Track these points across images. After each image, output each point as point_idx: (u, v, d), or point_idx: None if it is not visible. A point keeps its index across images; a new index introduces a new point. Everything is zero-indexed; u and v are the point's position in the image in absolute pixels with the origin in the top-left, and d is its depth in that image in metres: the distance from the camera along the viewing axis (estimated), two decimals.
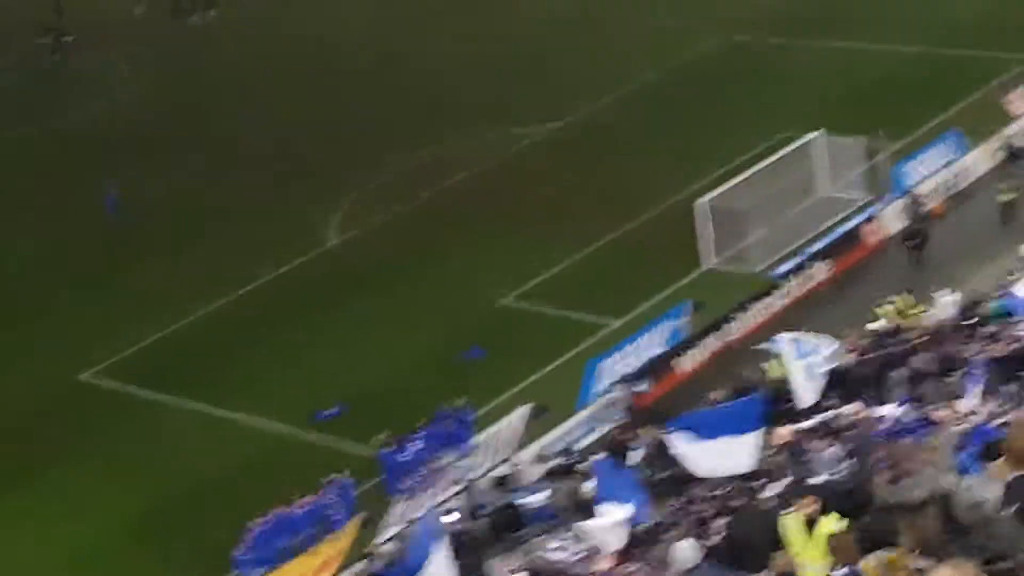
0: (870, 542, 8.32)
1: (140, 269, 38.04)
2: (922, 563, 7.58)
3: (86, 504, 28.92)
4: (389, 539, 26.39)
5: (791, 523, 9.62)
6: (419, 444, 27.94)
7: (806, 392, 22.93)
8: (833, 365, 23.74)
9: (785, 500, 12.84)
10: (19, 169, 45.60)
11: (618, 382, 29.75)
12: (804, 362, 23.47)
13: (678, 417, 20.89)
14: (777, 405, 25.10)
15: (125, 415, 32.13)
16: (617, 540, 16.14)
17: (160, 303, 36.10)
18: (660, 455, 25.95)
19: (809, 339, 24.36)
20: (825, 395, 24.69)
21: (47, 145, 47.20)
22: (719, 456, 17.91)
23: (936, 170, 35.93)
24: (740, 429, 18.06)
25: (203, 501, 28.29)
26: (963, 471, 10.37)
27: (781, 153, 35.58)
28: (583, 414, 29.28)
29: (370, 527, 26.92)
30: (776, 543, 10.08)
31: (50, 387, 33.30)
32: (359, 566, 25.66)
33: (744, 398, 20.84)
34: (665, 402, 29.33)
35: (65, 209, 41.87)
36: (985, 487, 8.65)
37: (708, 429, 18.58)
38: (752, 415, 18.33)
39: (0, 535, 28.15)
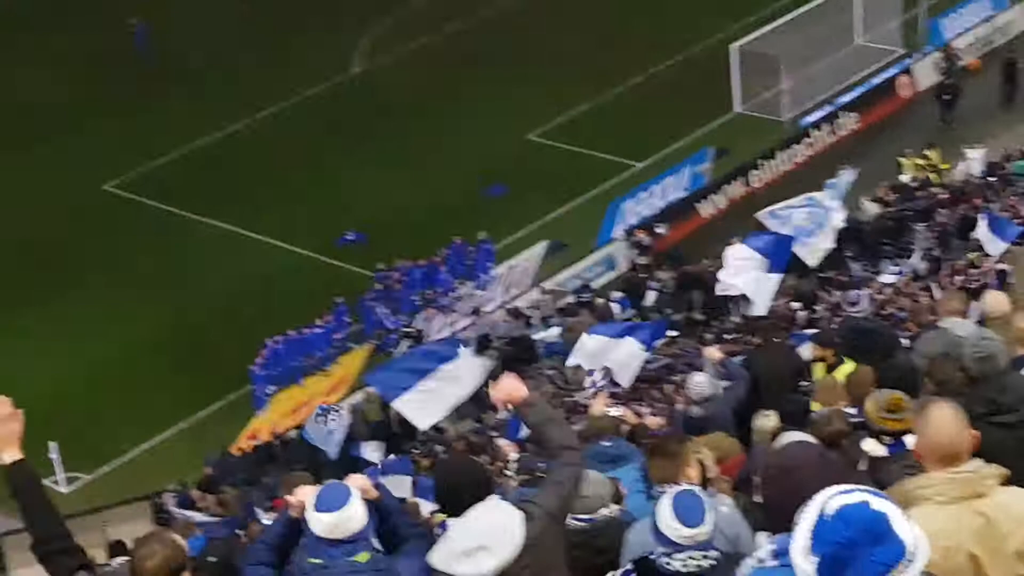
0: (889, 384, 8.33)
1: (167, 89, 37.66)
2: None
3: (108, 315, 29.14)
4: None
5: (818, 369, 9.67)
6: (422, 271, 28.00)
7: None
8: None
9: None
10: None
11: (638, 223, 29.70)
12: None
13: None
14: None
15: (149, 229, 32.22)
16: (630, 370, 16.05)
17: (185, 122, 35.86)
18: (675, 297, 26.12)
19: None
20: (844, 247, 24.70)
21: None
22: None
23: (975, 24, 35.23)
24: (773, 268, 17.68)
25: (222, 317, 28.55)
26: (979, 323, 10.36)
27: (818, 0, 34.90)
28: (601, 252, 29.31)
29: (383, 353, 27.21)
30: (796, 378, 10.13)
31: (75, 200, 33.28)
32: (370, 389, 25.98)
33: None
34: (684, 245, 29.37)
35: (94, 31, 41.14)
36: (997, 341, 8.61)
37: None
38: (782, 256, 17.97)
39: (25, 345, 28.42)
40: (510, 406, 6.08)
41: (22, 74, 39.02)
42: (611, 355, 16.19)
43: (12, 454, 5.59)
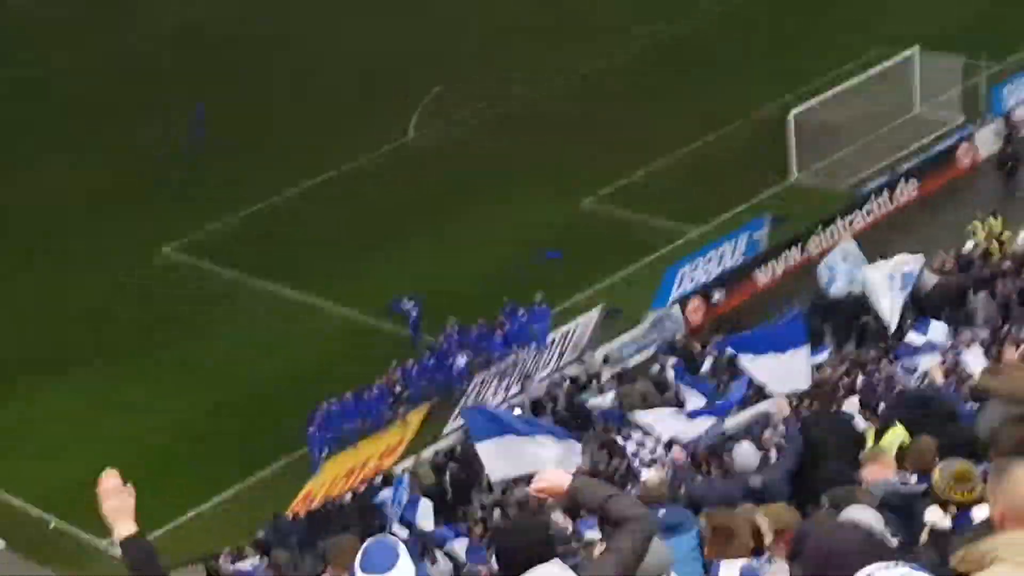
0: (950, 453, 8.20)
1: (224, 158, 38.03)
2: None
3: (163, 380, 29.37)
4: (455, 429, 26.60)
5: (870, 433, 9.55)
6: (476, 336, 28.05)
7: (892, 312, 22.59)
8: (912, 283, 23.30)
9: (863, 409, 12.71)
10: (93, 82, 44.96)
11: (694, 290, 29.60)
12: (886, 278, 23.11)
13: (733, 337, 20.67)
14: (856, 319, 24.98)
15: (205, 293, 32.54)
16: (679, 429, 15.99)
17: (240, 189, 36.24)
18: (729, 364, 25.89)
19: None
20: (903, 316, 24.45)
21: (127, 60, 46.69)
22: (777, 373, 17.66)
23: None
24: (788, 347, 17.79)
25: (277, 380, 28.64)
26: None
27: (877, 69, 34.80)
28: (656, 318, 29.15)
29: (437, 415, 27.19)
30: (852, 447, 9.96)
31: (134, 267, 33.62)
32: (425, 453, 25.95)
33: (788, 317, 20.55)
34: (740, 313, 29.20)
35: (147, 118, 41.45)
36: None
37: (761, 346, 18.30)
38: (798, 334, 18.05)
39: (78, 409, 28.64)
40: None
41: (86, 146, 39.62)
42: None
43: (127, 527, 5.50)
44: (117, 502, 5.53)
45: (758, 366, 17.93)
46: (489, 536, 19.95)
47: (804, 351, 17.14)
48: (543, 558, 5.47)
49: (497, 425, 17.80)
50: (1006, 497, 4.92)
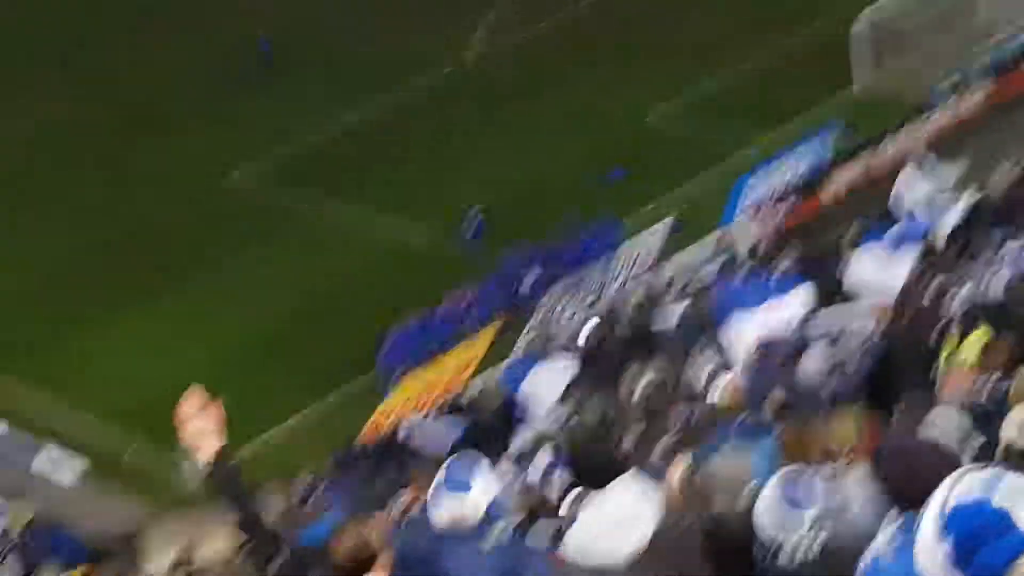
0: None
1: (288, 79, 37.95)
2: None
3: (231, 306, 29.62)
4: (526, 346, 26.60)
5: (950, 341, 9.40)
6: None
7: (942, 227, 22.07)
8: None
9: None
10: None
11: (764, 199, 29.28)
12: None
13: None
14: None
15: (271, 218, 32.66)
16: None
17: (307, 110, 36.21)
18: (804, 271, 25.58)
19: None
20: (981, 216, 23.99)
21: None
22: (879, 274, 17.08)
23: None
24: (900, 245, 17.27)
25: (345, 303, 28.77)
26: None
27: None
28: (725, 230, 28.90)
29: (508, 333, 27.19)
30: (930, 357, 9.82)
31: (195, 189, 33.77)
32: (495, 371, 25.96)
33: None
34: (810, 222, 28.89)
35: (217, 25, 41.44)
36: None
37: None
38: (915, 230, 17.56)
39: (141, 341, 28.86)
40: None
41: (152, 66, 39.61)
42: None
43: (212, 447, 5.39)
44: (199, 424, 5.37)
45: (863, 266, 17.20)
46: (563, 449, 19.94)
47: (917, 249, 16.57)
48: (620, 470, 5.41)
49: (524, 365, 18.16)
50: None
